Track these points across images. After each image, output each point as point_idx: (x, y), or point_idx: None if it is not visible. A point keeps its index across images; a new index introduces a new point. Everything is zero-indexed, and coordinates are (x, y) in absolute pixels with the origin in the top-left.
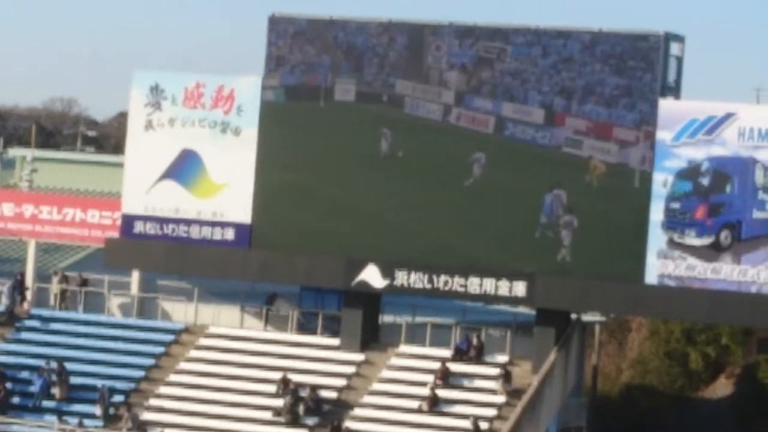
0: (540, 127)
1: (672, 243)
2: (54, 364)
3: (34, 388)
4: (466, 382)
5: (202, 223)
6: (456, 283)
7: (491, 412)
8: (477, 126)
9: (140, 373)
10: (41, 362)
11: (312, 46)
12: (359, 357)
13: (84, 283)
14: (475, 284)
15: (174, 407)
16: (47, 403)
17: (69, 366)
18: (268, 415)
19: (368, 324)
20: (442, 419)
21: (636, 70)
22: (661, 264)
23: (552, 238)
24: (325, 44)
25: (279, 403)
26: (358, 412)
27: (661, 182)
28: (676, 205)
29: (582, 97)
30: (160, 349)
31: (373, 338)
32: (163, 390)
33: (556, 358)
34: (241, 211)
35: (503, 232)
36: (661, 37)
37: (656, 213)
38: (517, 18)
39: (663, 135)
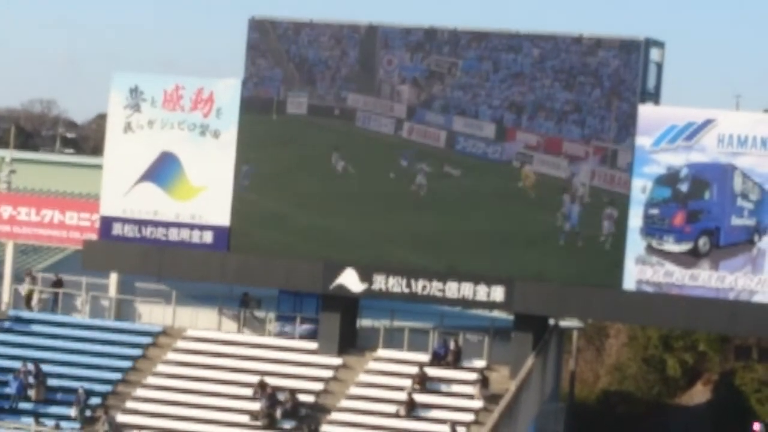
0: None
1: (650, 249)
2: (30, 366)
3: (10, 390)
4: (443, 387)
5: (180, 225)
6: (434, 287)
7: (468, 417)
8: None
9: (117, 376)
10: (18, 364)
11: (264, 58)
12: (337, 361)
13: (58, 283)
14: (453, 289)
15: (151, 410)
16: (24, 405)
17: (46, 368)
18: (245, 418)
19: (346, 328)
20: (419, 424)
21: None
22: (639, 270)
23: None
24: (277, 57)
25: (256, 406)
26: (335, 416)
27: (640, 188)
28: (654, 211)
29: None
30: (137, 352)
31: (350, 342)
32: (140, 392)
33: (533, 364)
34: (220, 214)
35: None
36: (641, 43)
37: (635, 219)
38: (492, 23)
39: (642, 141)
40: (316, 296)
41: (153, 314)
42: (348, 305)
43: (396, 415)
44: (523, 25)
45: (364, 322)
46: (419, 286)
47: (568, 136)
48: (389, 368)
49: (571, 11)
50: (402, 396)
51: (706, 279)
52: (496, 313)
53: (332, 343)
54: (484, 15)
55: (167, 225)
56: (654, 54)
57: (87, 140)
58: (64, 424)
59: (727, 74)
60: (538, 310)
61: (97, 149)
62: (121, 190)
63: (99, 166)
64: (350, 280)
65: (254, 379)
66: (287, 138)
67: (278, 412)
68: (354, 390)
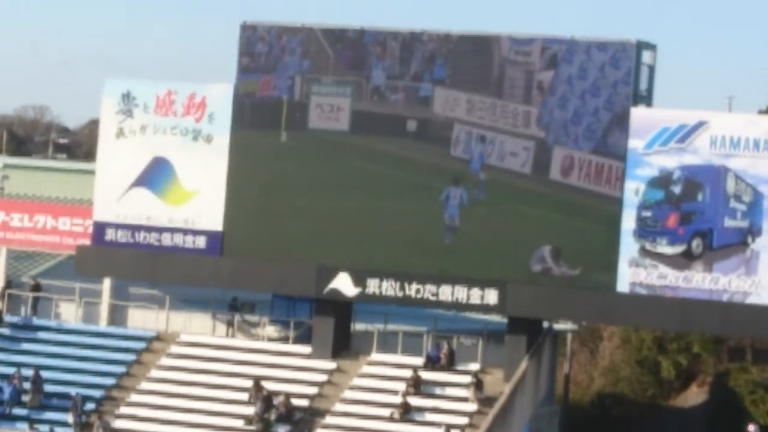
0: None
1: (644, 251)
2: (28, 372)
3: (4, 396)
4: (437, 390)
5: (173, 230)
6: (428, 291)
7: (463, 420)
8: None
9: (112, 381)
10: (12, 369)
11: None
12: (331, 365)
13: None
14: (446, 292)
15: (145, 415)
16: (19, 411)
17: (41, 374)
18: (239, 422)
19: (340, 332)
20: (413, 427)
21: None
22: (633, 272)
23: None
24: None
25: (250, 410)
26: (329, 420)
27: (633, 190)
28: (647, 214)
29: None
30: (131, 357)
31: (344, 346)
32: (135, 398)
33: (527, 366)
34: (213, 219)
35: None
36: (633, 46)
37: (628, 221)
38: (479, 27)
39: (635, 143)
40: (310, 300)
41: (146, 319)
42: (342, 309)
43: (390, 419)
44: (513, 28)
45: (357, 326)
46: (413, 289)
47: None
48: (383, 372)
49: (563, 14)
50: (396, 399)
51: (699, 281)
52: (490, 316)
53: (326, 347)
54: (471, 19)
55: (160, 230)
56: (646, 56)
57: (80, 146)
58: (59, 429)
59: (719, 76)
60: (532, 313)
61: (89, 155)
62: (113, 196)
63: (92, 172)
64: (344, 284)
65: (248, 383)
66: None
67: (272, 416)
68: (348, 394)
